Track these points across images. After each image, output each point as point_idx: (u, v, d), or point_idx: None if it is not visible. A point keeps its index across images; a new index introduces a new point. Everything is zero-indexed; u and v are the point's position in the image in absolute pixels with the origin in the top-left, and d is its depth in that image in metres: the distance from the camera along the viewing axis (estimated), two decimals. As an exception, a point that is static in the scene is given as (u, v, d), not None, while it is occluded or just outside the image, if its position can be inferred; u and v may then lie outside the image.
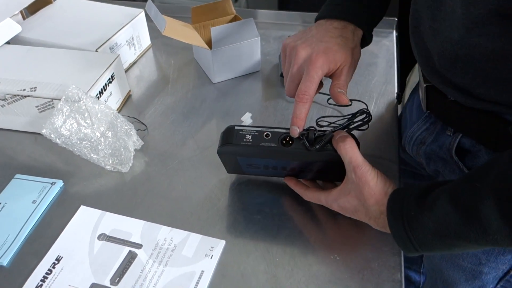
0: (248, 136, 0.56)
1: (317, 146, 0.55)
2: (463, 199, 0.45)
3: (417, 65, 0.73)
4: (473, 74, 0.50)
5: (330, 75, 0.59)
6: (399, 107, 0.83)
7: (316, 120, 0.77)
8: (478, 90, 0.51)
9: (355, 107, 0.78)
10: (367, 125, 0.61)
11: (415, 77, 0.81)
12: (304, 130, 0.56)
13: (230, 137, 0.56)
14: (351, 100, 0.77)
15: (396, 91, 0.85)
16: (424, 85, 0.61)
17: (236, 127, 0.57)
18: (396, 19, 0.99)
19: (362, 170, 0.53)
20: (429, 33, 0.54)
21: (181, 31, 0.82)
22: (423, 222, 0.47)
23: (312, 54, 0.56)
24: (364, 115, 0.61)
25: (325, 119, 0.78)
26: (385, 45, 0.98)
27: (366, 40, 0.64)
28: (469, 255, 0.65)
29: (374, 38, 0.66)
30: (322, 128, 0.59)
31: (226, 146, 0.57)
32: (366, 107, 0.76)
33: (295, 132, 0.55)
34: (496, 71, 0.48)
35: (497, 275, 0.64)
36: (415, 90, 0.75)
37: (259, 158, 0.59)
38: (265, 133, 0.56)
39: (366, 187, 0.52)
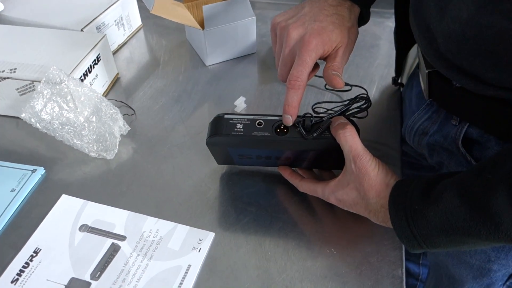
0: (239, 125, 0.52)
1: (314, 134, 0.52)
2: (472, 192, 0.41)
3: (415, 48, 0.69)
4: (483, 57, 0.46)
5: (325, 57, 0.55)
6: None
7: (313, 106, 0.73)
8: (488, 75, 0.47)
9: (355, 92, 0.74)
10: (366, 111, 0.57)
11: (412, 60, 0.77)
12: (300, 117, 0.52)
13: (220, 127, 0.53)
14: (350, 85, 0.74)
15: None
16: (426, 71, 0.57)
17: (225, 116, 0.53)
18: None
19: (362, 160, 0.49)
20: (433, 12, 0.50)
21: (171, 10, 0.77)
22: (429, 217, 0.43)
23: (305, 35, 0.52)
24: (363, 101, 0.57)
25: (322, 105, 0.74)
26: (388, 26, 0.93)
27: (363, 18, 0.59)
28: (478, 252, 0.62)
29: (376, 19, 0.61)
30: (319, 115, 0.55)
31: (215, 137, 0.53)
32: (365, 93, 0.72)
33: (288, 120, 0.52)
34: (509, 53, 0.44)
35: (507, 272, 0.61)
36: (413, 75, 0.70)
37: (252, 149, 0.55)
38: (258, 122, 0.52)
39: (366, 178, 0.49)
